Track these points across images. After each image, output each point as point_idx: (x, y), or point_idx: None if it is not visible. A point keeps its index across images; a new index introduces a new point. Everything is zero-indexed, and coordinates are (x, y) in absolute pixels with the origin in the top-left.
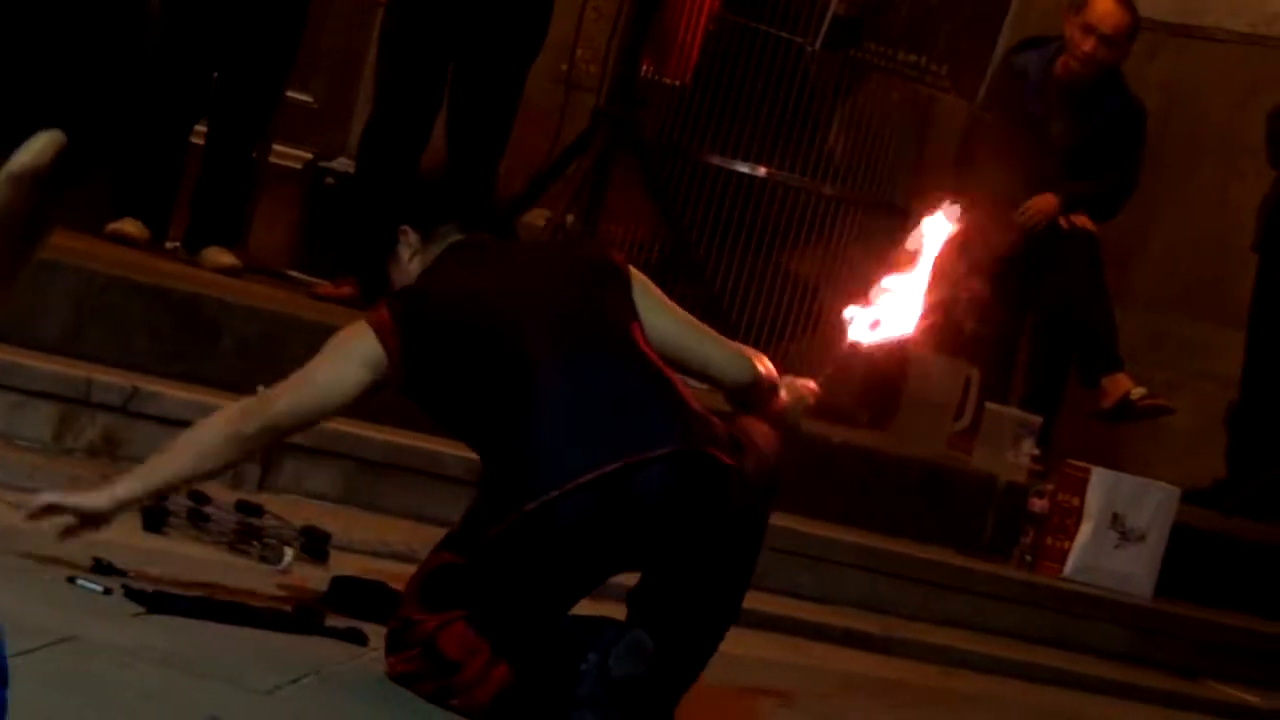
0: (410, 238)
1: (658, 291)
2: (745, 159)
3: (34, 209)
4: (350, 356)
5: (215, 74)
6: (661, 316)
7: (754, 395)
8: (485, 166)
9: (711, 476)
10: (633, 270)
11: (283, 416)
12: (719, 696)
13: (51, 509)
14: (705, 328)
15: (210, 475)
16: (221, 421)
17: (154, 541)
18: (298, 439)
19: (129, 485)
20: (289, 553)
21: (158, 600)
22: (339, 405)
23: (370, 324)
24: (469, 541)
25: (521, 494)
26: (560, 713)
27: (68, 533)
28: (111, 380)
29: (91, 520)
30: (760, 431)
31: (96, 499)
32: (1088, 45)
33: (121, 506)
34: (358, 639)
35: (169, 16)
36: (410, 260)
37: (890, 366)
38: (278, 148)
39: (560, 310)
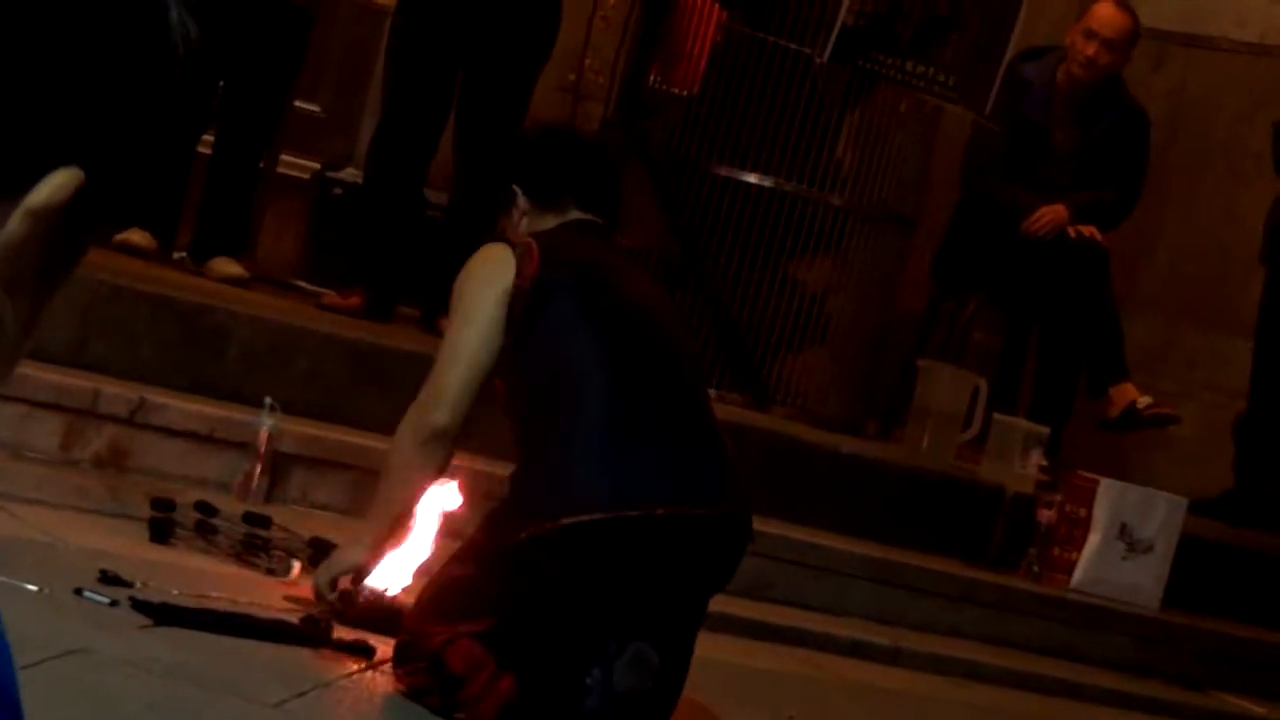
0: (521, 202)
1: None
2: (753, 169)
3: (50, 248)
4: (483, 307)
5: (221, 84)
6: None
7: None
8: (493, 177)
9: (739, 543)
10: None
11: (459, 394)
12: (725, 709)
13: (337, 588)
14: None
15: (432, 482)
16: (410, 434)
17: (161, 553)
18: (299, 450)
19: (374, 529)
20: (296, 564)
21: (165, 612)
22: (491, 361)
23: (513, 245)
24: (486, 550)
25: (560, 507)
26: None
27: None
28: (118, 391)
29: (361, 575)
30: None
31: (356, 555)
32: (1090, 50)
33: (378, 551)
34: (365, 652)
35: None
36: (520, 223)
37: None
38: (285, 158)
39: (666, 328)
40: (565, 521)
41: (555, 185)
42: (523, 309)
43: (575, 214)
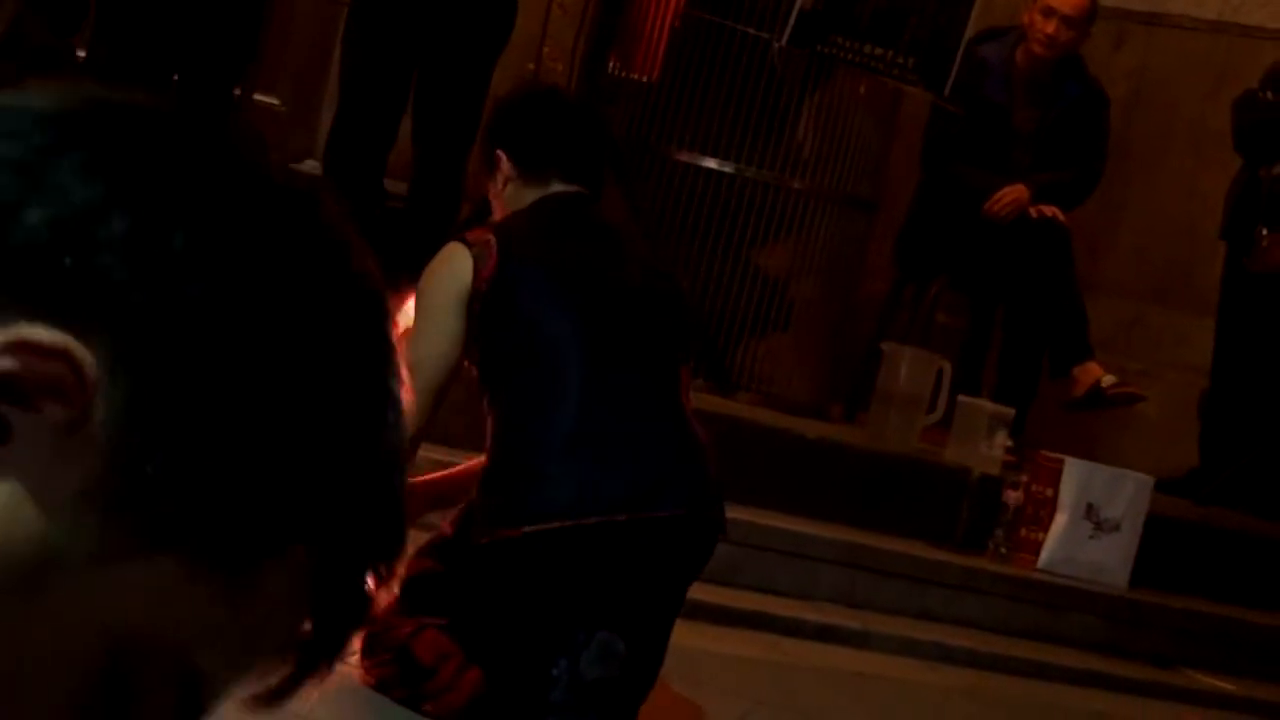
0: (505, 167)
1: None
2: (714, 155)
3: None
4: (443, 306)
5: (175, 77)
6: None
7: None
8: (452, 166)
9: (706, 539)
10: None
11: (419, 403)
12: (695, 696)
13: None
14: None
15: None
16: None
17: None
18: None
19: None
20: None
21: None
22: (455, 360)
23: (470, 242)
24: (455, 546)
25: (522, 513)
26: (533, 718)
27: None
28: None
29: None
30: None
31: None
32: (1049, 27)
33: None
34: None
35: (124, 20)
36: (503, 189)
37: None
38: None
39: (624, 327)
40: (526, 530)
41: (541, 155)
42: (482, 308)
43: (558, 186)
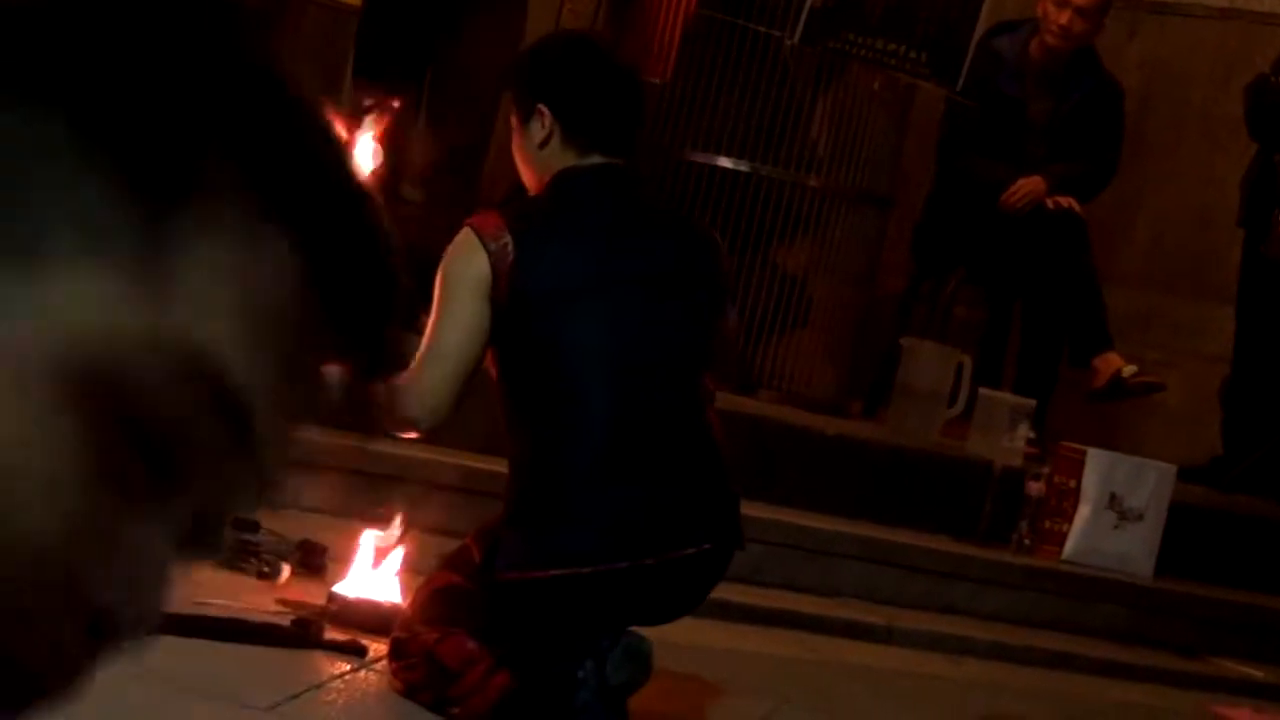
0: (547, 121)
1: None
2: (728, 154)
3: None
4: (462, 299)
5: None
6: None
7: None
8: (464, 173)
9: (725, 564)
10: (724, 258)
11: (428, 389)
12: (722, 692)
13: None
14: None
15: None
16: (391, 413)
17: None
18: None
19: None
20: (286, 567)
21: None
22: (478, 350)
23: (484, 233)
24: (482, 564)
25: (550, 556)
26: None
27: None
28: None
29: None
30: None
31: None
32: (1063, 18)
33: None
34: (357, 652)
35: None
36: (542, 146)
37: None
38: None
39: (648, 334)
40: (554, 573)
41: (587, 122)
42: (500, 318)
43: (597, 158)
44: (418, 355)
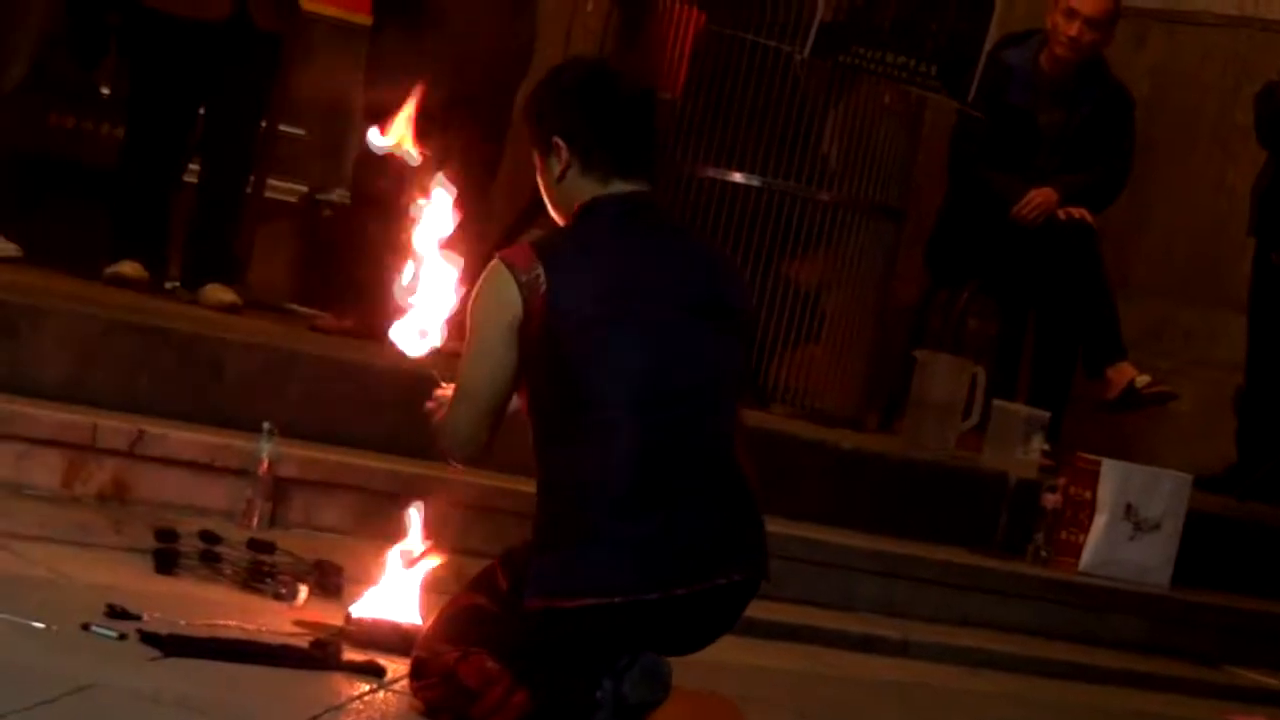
0: (564, 154)
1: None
2: (740, 169)
3: None
4: (493, 334)
5: (201, 112)
6: None
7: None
8: (479, 191)
9: (752, 593)
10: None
11: (462, 426)
12: (737, 708)
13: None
14: None
15: None
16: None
17: (167, 584)
18: (301, 473)
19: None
20: (303, 589)
21: (173, 643)
22: (508, 386)
23: (516, 267)
24: (507, 588)
25: (579, 586)
26: None
27: None
28: (117, 425)
29: None
30: None
31: None
32: (1072, 30)
33: None
34: (376, 672)
35: (150, 57)
36: (561, 179)
37: None
38: (273, 181)
39: (676, 362)
40: (584, 603)
41: (604, 151)
42: (530, 349)
43: (618, 186)
44: (452, 392)
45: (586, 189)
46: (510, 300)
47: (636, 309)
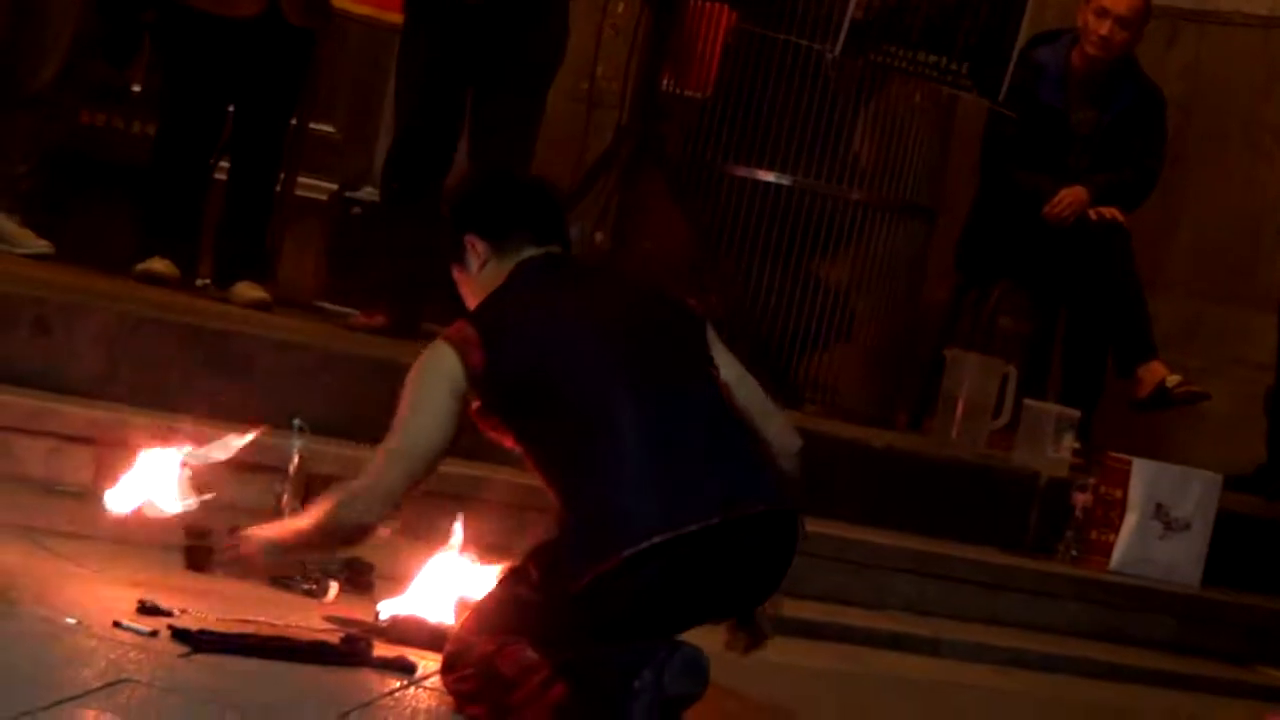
0: (479, 248)
1: (723, 343)
2: (771, 168)
3: None
4: (433, 396)
5: (230, 110)
6: (732, 371)
7: (788, 468)
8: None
9: (790, 534)
10: (707, 321)
11: (395, 488)
12: (771, 706)
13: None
14: (761, 391)
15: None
16: (333, 509)
17: (198, 581)
18: (332, 469)
19: (267, 533)
20: (334, 585)
21: (204, 639)
22: (442, 451)
23: (451, 340)
24: (544, 585)
25: (618, 542)
26: None
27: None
28: (148, 421)
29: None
30: None
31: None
32: (1104, 29)
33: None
34: (406, 669)
35: (183, 54)
36: (480, 270)
37: None
38: (303, 179)
39: (645, 349)
40: (627, 553)
41: (509, 223)
42: (489, 395)
43: (530, 251)
44: (382, 450)
45: (506, 266)
46: (449, 365)
47: (585, 313)
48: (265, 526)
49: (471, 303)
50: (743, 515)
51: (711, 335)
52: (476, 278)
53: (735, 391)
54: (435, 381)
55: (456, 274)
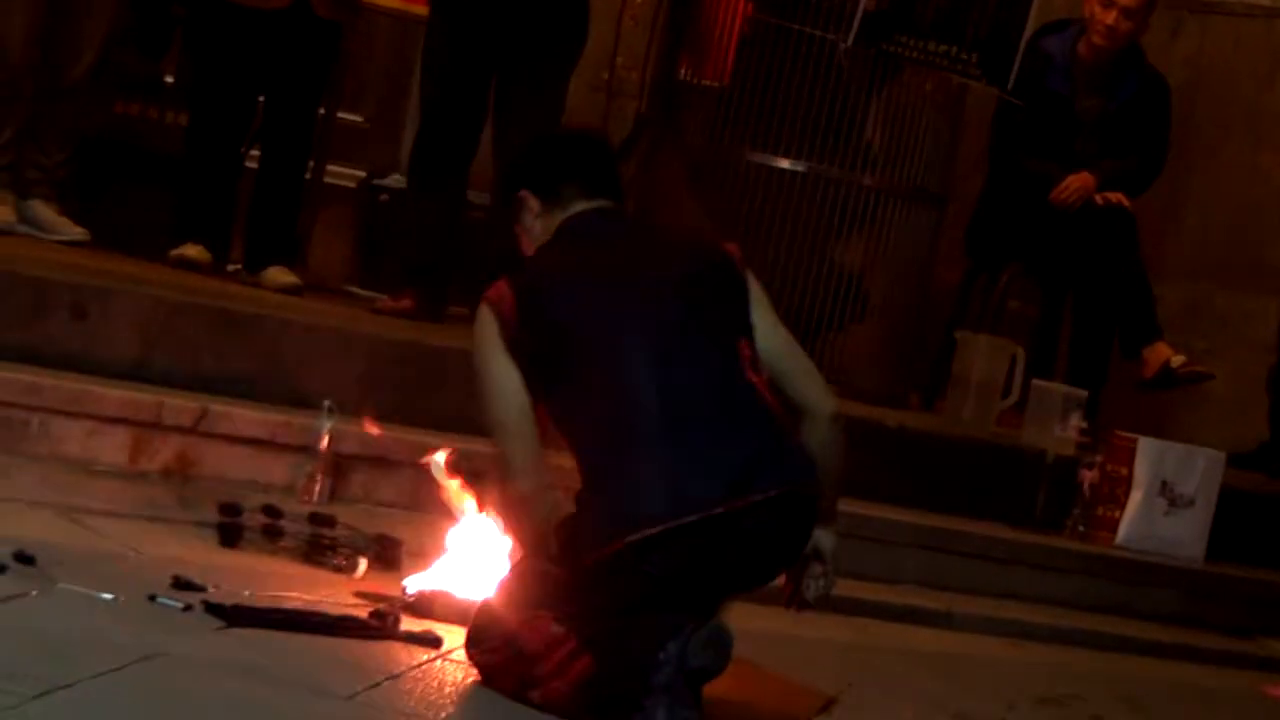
0: (531, 203)
1: (769, 303)
2: (786, 155)
3: None
4: (492, 360)
5: (261, 100)
6: (771, 334)
7: (822, 432)
8: None
9: (804, 513)
10: (750, 278)
11: (516, 456)
12: (784, 678)
13: None
14: (803, 352)
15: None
16: (508, 497)
17: (231, 557)
18: (361, 450)
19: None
20: (363, 561)
21: (237, 614)
22: (530, 402)
23: (489, 300)
24: (567, 561)
25: (621, 525)
26: (635, 701)
27: None
28: (182, 403)
29: None
30: None
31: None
32: (1109, 18)
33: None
34: (433, 642)
35: (214, 46)
36: (534, 223)
37: None
38: (332, 168)
39: (673, 319)
40: (630, 539)
41: (557, 176)
42: (521, 349)
43: (581, 205)
44: (495, 439)
45: (557, 220)
46: (488, 325)
47: (618, 273)
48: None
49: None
50: (750, 502)
51: (755, 293)
52: (532, 233)
53: (774, 353)
54: (488, 348)
55: (517, 231)
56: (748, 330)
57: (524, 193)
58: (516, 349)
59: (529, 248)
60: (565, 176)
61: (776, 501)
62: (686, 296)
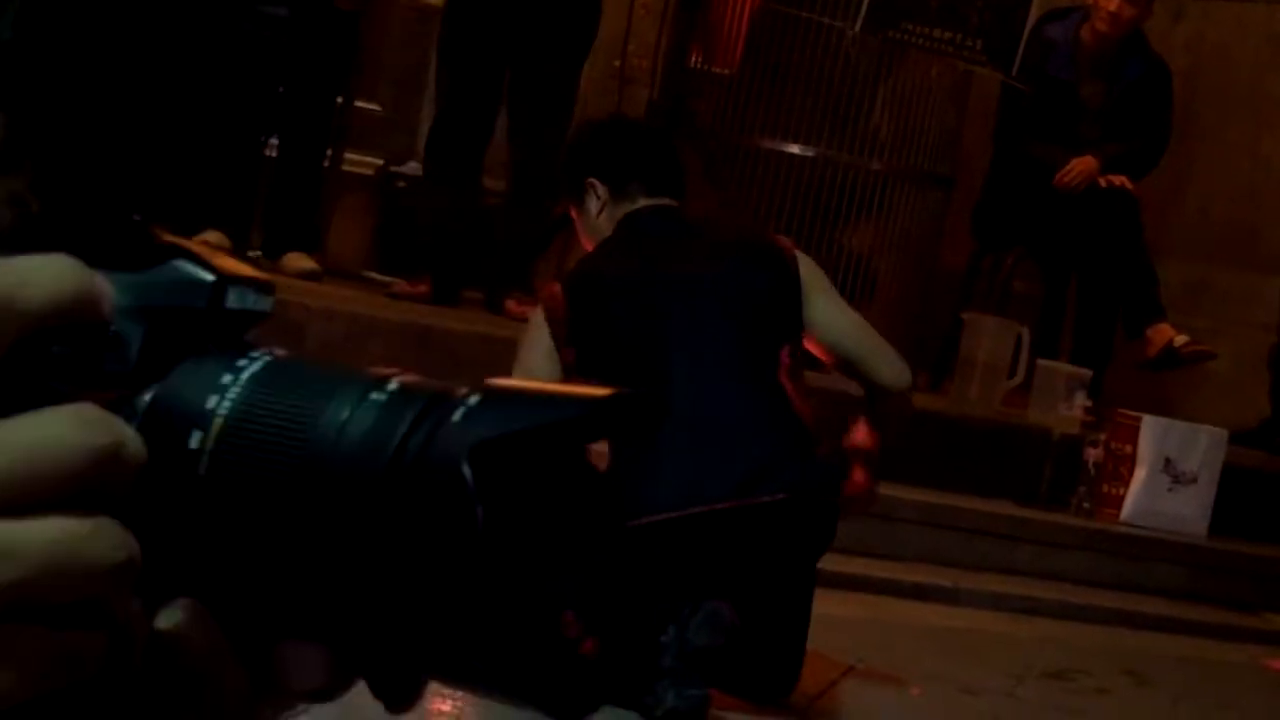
0: (599, 190)
1: (826, 283)
2: (796, 140)
3: None
4: (529, 358)
5: (280, 89)
6: (835, 323)
7: (893, 403)
8: (546, 162)
9: (814, 518)
10: (801, 263)
11: None
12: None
13: None
14: (868, 325)
15: None
16: None
17: None
18: None
19: None
20: None
21: None
22: None
23: (542, 300)
24: None
25: (635, 508)
26: (644, 684)
27: None
28: None
29: None
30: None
31: None
32: (1112, 5)
33: None
34: None
35: (237, 41)
36: (598, 214)
37: None
38: (350, 155)
39: (713, 332)
40: (633, 524)
41: (626, 171)
42: (571, 347)
43: (644, 201)
44: None
45: (620, 212)
46: (539, 327)
47: (666, 275)
48: None
49: (587, 244)
50: (757, 503)
51: (812, 284)
52: (593, 221)
53: (840, 341)
54: (529, 346)
55: (574, 214)
56: (796, 333)
57: (594, 180)
58: (564, 340)
59: (584, 234)
60: (633, 171)
61: (784, 506)
62: (734, 305)
